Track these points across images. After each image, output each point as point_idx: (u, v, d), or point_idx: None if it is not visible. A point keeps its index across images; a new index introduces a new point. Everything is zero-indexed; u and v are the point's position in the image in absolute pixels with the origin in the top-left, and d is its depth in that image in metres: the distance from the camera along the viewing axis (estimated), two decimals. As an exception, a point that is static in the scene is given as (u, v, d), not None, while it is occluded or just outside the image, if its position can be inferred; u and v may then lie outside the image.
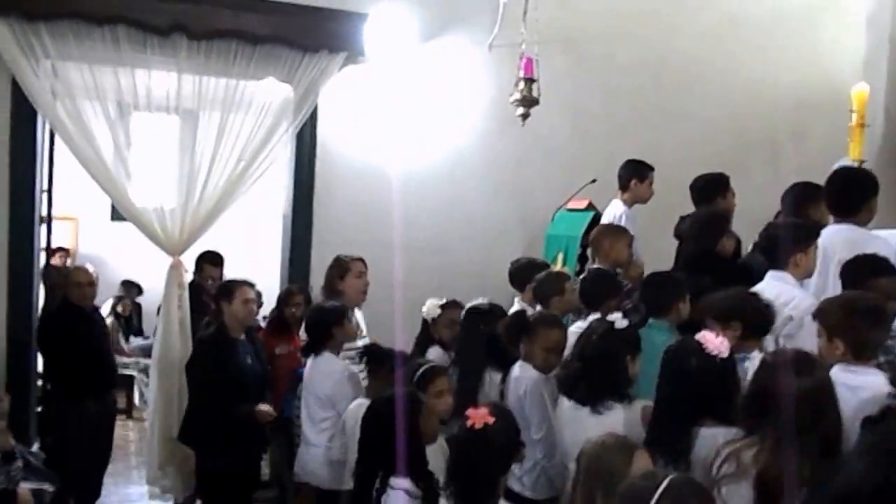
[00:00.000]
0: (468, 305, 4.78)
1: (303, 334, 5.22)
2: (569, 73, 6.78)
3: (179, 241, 5.92)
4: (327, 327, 4.82)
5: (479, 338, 4.53)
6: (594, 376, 3.59)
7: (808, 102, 7.57)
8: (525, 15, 6.15)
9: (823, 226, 4.57)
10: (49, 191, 6.21)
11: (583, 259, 5.96)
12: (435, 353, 4.86)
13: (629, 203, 6.00)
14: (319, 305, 5.10)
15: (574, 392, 3.66)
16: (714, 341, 3.22)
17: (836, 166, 5.86)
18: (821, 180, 4.78)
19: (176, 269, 5.92)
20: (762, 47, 7.46)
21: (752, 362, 3.43)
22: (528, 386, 4.08)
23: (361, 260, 5.44)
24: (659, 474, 2.33)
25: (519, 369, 4.21)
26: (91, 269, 5.89)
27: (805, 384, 2.77)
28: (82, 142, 5.70)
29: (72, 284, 5.69)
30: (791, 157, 7.31)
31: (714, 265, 4.71)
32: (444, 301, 5.04)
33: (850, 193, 4.51)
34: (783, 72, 7.54)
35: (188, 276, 6.22)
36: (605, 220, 5.92)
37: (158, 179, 6.09)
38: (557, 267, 5.81)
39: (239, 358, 5.07)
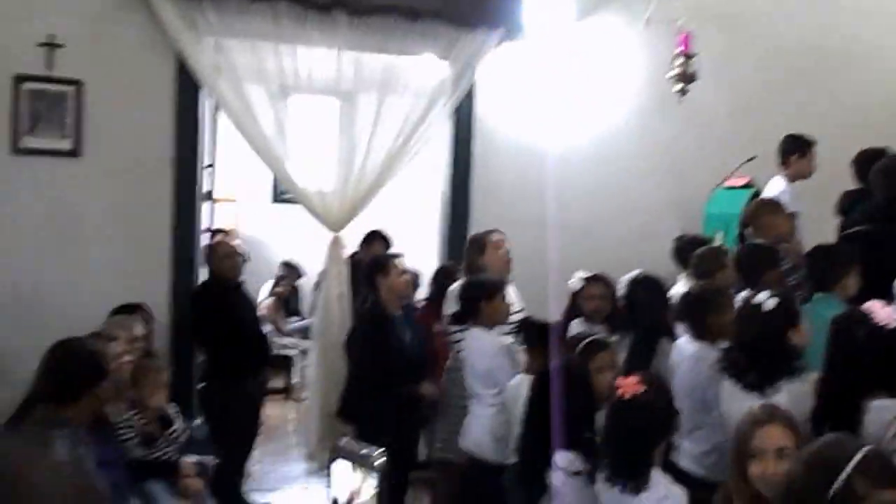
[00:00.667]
0: (632, 275, 4.60)
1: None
2: (725, 50, 6.48)
3: (339, 217, 5.91)
4: (476, 301, 4.74)
5: (649, 308, 4.37)
6: (759, 362, 3.36)
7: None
8: (681, -11, 5.95)
9: None
10: (212, 167, 6.31)
11: (742, 238, 5.70)
12: (578, 326, 4.71)
13: (791, 178, 5.73)
14: (474, 278, 4.99)
15: (742, 378, 3.42)
16: (882, 311, 3.02)
17: None
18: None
19: (336, 244, 5.92)
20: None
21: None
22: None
23: (497, 231, 5.26)
24: (848, 444, 2.14)
25: (696, 348, 3.98)
26: (237, 241, 5.88)
27: None
28: (247, 119, 5.71)
29: (216, 258, 5.67)
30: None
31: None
32: (587, 275, 4.90)
33: None
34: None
35: (347, 252, 6.19)
36: (765, 196, 5.64)
37: (318, 160, 6.09)
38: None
39: (397, 334, 5.03)
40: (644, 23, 6.38)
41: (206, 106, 6.02)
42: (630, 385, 3.02)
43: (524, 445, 3.61)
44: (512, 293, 5.27)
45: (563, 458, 3.30)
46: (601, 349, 3.86)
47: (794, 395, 3.23)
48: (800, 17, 6.78)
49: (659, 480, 2.99)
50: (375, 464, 1.29)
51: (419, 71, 6.14)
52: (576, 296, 4.93)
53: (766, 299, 3.37)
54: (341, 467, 1.37)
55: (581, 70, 6.38)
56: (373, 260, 5.31)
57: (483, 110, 6.28)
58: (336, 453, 1.42)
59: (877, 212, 4.65)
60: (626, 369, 3.95)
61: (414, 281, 5.98)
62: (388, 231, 6.58)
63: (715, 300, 3.97)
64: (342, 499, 1.43)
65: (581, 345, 3.89)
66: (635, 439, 3.00)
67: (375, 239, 6.18)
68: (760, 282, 4.07)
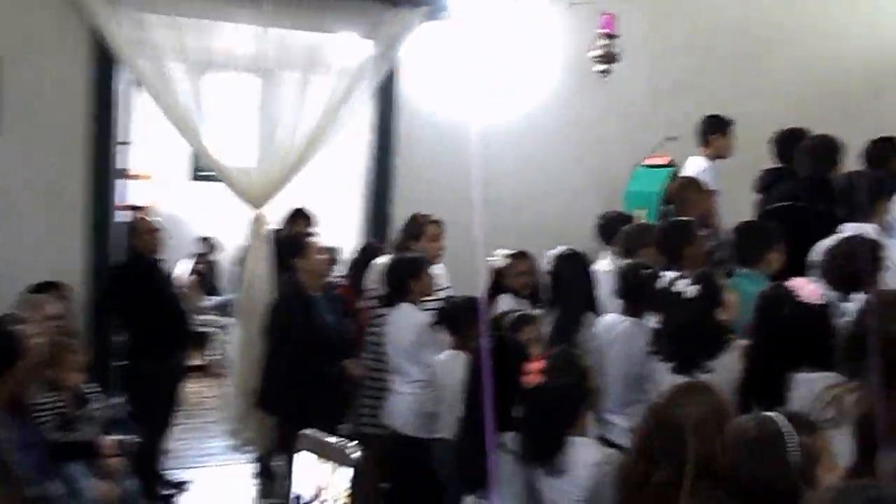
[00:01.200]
0: (558, 251, 4.56)
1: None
2: (648, 32, 6.48)
3: (262, 192, 5.67)
4: (404, 279, 4.64)
5: (575, 283, 4.32)
6: (687, 347, 3.32)
7: (881, 64, 7.25)
8: (605, -29, 5.92)
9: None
10: (127, 144, 5.98)
11: (663, 215, 5.72)
12: (507, 302, 4.66)
13: (711, 158, 5.75)
14: (398, 257, 4.90)
15: (672, 361, 3.39)
16: (807, 288, 3.02)
17: None
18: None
19: (258, 221, 5.68)
20: (840, 7, 7.14)
21: (853, 304, 3.19)
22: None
23: (437, 222, 5.18)
24: (769, 418, 2.13)
25: (628, 325, 3.97)
26: (155, 218, 5.72)
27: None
28: (167, 95, 5.46)
29: (137, 234, 5.51)
30: (868, 117, 6.95)
31: (829, 194, 4.36)
32: (511, 252, 4.84)
33: None
34: (855, 33, 7.21)
35: (270, 229, 5.90)
36: (686, 175, 5.66)
37: (239, 137, 5.88)
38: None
39: (319, 314, 4.89)
40: (568, 3, 6.33)
41: (122, 82, 5.73)
42: (534, 372, 2.96)
43: (466, 425, 3.52)
44: (439, 271, 5.19)
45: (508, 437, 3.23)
46: (528, 323, 3.84)
47: (722, 366, 3.22)
48: (721, 1, 6.82)
49: (589, 448, 2.93)
50: (351, 456, 1.17)
51: (343, 50, 5.95)
52: (499, 272, 4.87)
53: (688, 286, 3.33)
54: (305, 460, 1.25)
55: (505, 49, 6.27)
56: (289, 241, 5.11)
57: (407, 89, 6.14)
58: (300, 445, 1.29)
59: (800, 191, 4.67)
60: (550, 344, 3.92)
61: (333, 258, 5.85)
62: (311, 209, 6.39)
63: (641, 276, 3.95)
64: (307, 494, 1.30)
65: (509, 320, 3.85)
66: (547, 422, 2.95)
67: (299, 216, 5.97)
68: (681, 258, 4.07)
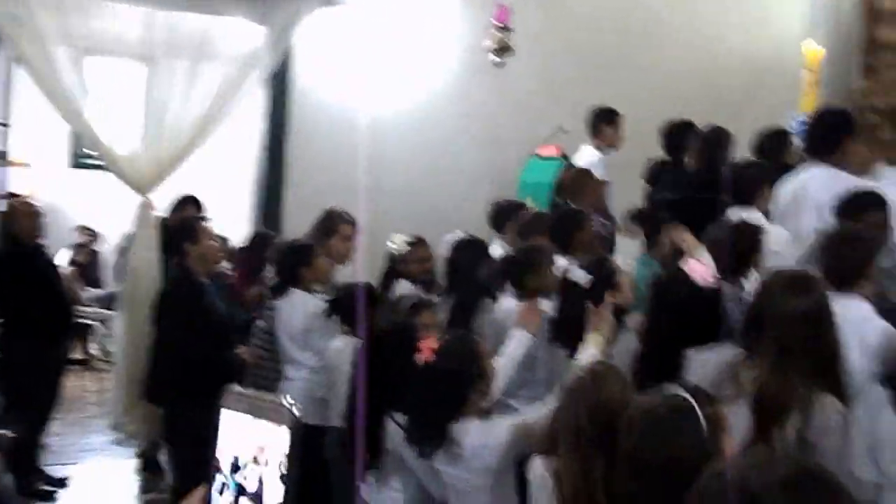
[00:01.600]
0: (456, 238, 4.50)
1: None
2: (541, 24, 6.53)
3: (148, 178, 5.41)
4: (294, 267, 4.50)
5: (471, 269, 4.26)
6: (582, 335, 3.20)
7: (759, 59, 7.47)
8: (500, -37, 5.91)
9: (790, 166, 4.44)
10: (5, 126, 5.68)
11: (554, 205, 5.75)
12: (405, 288, 4.56)
13: (601, 148, 5.81)
14: (288, 244, 4.72)
15: (568, 346, 3.33)
16: (700, 270, 3.04)
17: (795, 120, 5.80)
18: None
19: (145, 208, 5.41)
20: (713, 7, 7.36)
21: (749, 283, 3.23)
22: None
23: (352, 223, 4.89)
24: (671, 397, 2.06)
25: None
26: (35, 203, 5.42)
27: (802, 303, 2.57)
28: (49, 77, 5.15)
29: (16, 218, 5.21)
30: (746, 111, 7.18)
31: (717, 183, 4.28)
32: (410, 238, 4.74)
33: (828, 134, 4.23)
34: (735, 29, 7.45)
35: (157, 216, 5.61)
36: (579, 165, 5.71)
37: (125, 122, 5.60)
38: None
39: (210, 301, 4.68)
40: (463, -7, 6.32)
41: (2, 59, 5.46)
42: (426, 351, 2.90)
43: (351, 411, 3.41)
44: None
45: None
46: (425, 308, 3.74)
47: (617, 350, 3.21)
48: (608, -2, 6.93)
49: (482, 431, 2.84)
50: (289, 415, 1.06)
51: (234, 35, 5.74)
52: (396, 258, 4.78)
53: (582, 276, 3.30)
54: (235, 419, 1.12)
55: (399, 37, 6.20)
56: (180, 225, 4.82)
57: (300, 76, 5.99)
58: (227, 404, 1.17)
59: (690, 181, 4.71)
60: (447, 330, 3.81)
61: (224, 246, 5.63)
62: (200, 196, 6.12)
63: (533, 260, 3.87)
64: (245, 456, 1.18)
65: (406, 304, 3.77)
66: (434, 405, 2.89)
67: (188, 203, 5.68)
68: (572, 244, 4.07)
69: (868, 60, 7.68)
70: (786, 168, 4.48)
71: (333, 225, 4.84)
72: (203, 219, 4.87)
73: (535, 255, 3.85)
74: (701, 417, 1.95)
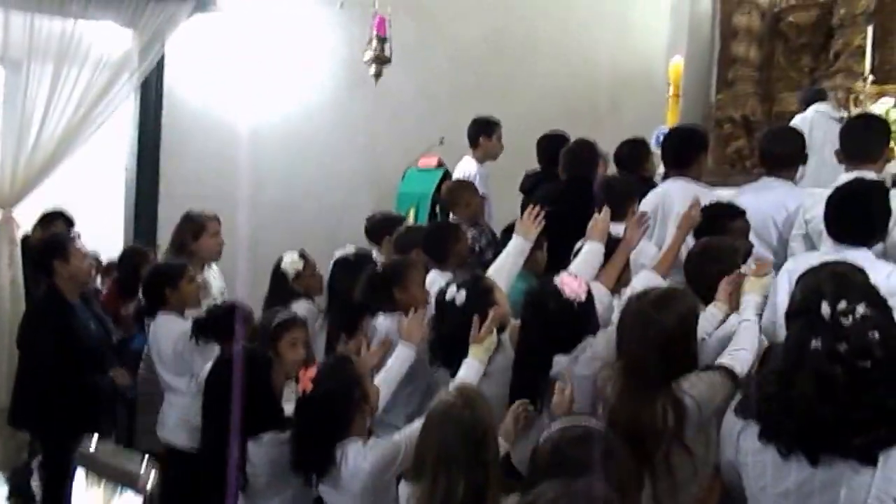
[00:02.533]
0: (336, 255, 4.30)
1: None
2: (418, 37, 6.36)
3: (10, 193, 4.97)
4: (160, 288, 4.12)
5: (349, 286, 3.99)
6: (462, 354, 3.09)
7: (623, 77, 7.62)
8: (374, -26, 5.71)
9: (649, 178, 4.51)
10: None
11: (433, 216, 5.65)
12: (303, 308, 4.23)
13: (481, 160, 5.73)
14: (155, 265, 4.35)
15: (451, 367, 3.16)
16: (572, 284, 2.97)
17: (655, 132, 5.93)
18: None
19: (7, 223, 4.97)
20: (586, 24, 7.43)
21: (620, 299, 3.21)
22: None
23: (217, 219, 4.66)
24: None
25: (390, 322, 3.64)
26: None
27: (661, 323, 2.52)
28: None
29: None
30: (610, 127, 7.28)
31: (588, 195, 4.30)
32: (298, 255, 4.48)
33: (685, 149, 4.32)
34: (601, 48, 7.53)
35: (21, 232, 5.17)
36: (456, 176, 5.55)
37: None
38: (409, 223, 5.43)
39: (81, 322, 4.31)
40: (339, 4, 6.08)
41: None
42: (305, 380, 2.73)
43: (205, 436, 3.20)
44: (214, 275, 4.76)
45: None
46: (294, 324, 3.54)
47: (495, 366, 3.09)
48: (484, 11, 6.84)
49: (354, 453, 2.69)
50: (146, 485, 0.89)
51: (101, 39, 5.34)
52: (288, 278, 4.51)
53: (456, 293, 3.14)
54: (85, 480, 0.95)
55: (277, 46, 5.92)
56: (48, 242, 4.40)
57: (174, 83, 5.63)
58: (80, 462, 0.99)
59: (562, 193, 4.66)
60: (327, 348, 3.76)
61: (96, 262, 5.26)
62: (68, 210, 5.65)
63: (399, 275, 3.68)
64: None
65: (274, 322, 3.52)
66: (315, 430, 2.74)
67: (55, 220, 5.21)
68: (447, 257, 3.98)
69: (724, 74, 8.01)
70: (646, 181, 4.54)
71: (199, 224, 4.55)
72: (74, 236, 4.48)
73: (401, 269, 3.68)
74: None
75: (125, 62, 5.32)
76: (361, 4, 5.83)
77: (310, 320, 3.97)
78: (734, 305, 3.00)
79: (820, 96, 6.13)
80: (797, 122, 5.50)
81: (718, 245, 3.27)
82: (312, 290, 4.37)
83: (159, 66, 5.49)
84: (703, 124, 7.40)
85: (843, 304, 2.03)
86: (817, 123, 5.55)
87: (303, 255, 4.43)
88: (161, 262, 4.39)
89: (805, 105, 5.99)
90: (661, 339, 2.50)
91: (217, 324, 3.74)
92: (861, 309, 2.02)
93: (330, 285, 4.16)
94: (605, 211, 3.56)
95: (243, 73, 5.74)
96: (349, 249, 4.26)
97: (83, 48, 5.22)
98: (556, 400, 2.70)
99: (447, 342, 3.16)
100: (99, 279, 5.62)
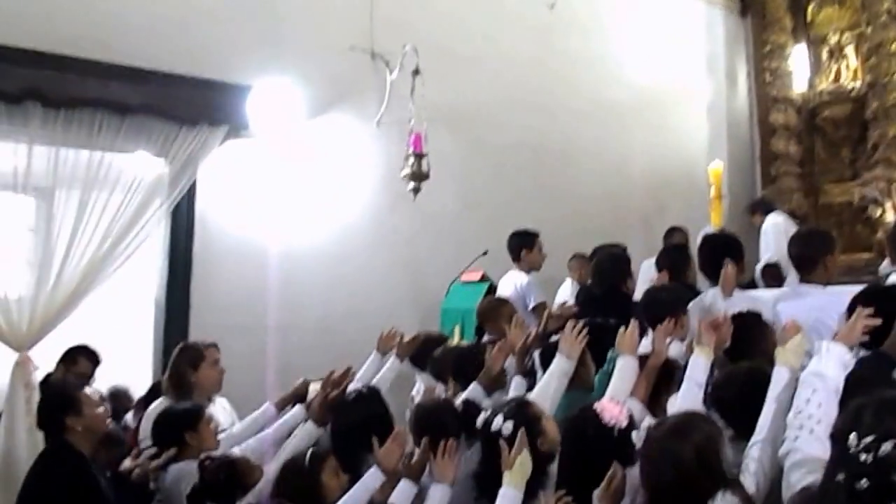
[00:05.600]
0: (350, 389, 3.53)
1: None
2: (456, 149, 5.71)
3: (28, 333, 4.21)
4: (180, 433, 3.40)
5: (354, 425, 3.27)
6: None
7: (666, 178, 6.94)
8: (412, 92, 5.14)
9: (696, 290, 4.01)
10: None
11: (480, 331, 4.86)
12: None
13: (526, 271, 5.04)
14: (168, 408, 3.58)
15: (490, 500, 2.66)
16: (612, 410, 2.65)
17: (701, 234, 5.24)
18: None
19: (22, 366, 4.19)
20: (625, 127, 6.80)
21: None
22: None
23: (215, 346, 3.96)
24: None
25: None
26: None
27: (677, 455, 2.21)
28: None
29: None
30: (657, 229, 6.54)
31: (623, 306, 3.97)
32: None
33: (719, 258, 3.85)
34: (644, 150, 6.91)
35: (38, 375, 4.34)
36: (506, 290, 4.91)
37: (5, 264, 4.46)
38: (455, 340, 4.66)
39: (94, 478, 3.49)
40: (376, 122, 5.47)
41: None
42: None
43: None
44: (221, 409, 3.98)
45: None
46: (329, 454, 2.99)
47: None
48: (522, 119, 6.18)
49: None
50: None
51: (131, 166, 4.74)
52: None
53: (503, 423, 2.72)
54: None
55: (312, 168, 5.25)
56: (55, 398, 3.54)
57: (205, 210, 4.90)
58: None
59: (596, 304, 4.13)
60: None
61: (123, 401, 4.51)
62: (92, 345, 4.87)
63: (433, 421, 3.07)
64: None
65: (308, 457, 2.94)
66: None
67: (78, 356, 4.47)
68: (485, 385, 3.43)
69: (767, 170, 7.47)
70: (691, 288, 4.07)
71: (198, 353, 3.77)
72: (83, 384, 3.70)
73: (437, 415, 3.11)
74: None
75: (155, 190, 4.63)
76: (398, 121, 5.23)
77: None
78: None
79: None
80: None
81: (740, 372, 2.80)
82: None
83: (190, 193, 4.80)
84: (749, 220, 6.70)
85: (868, 439, 1.70)
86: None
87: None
88: (173, 405, 3.59)
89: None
90: (679, 471, 2.22)
91: (218, 487, 2.96)
92: (888, 446, 1.67)
93: (339, 420, 3.36)
94: (633, 324, 3.21)
95: (278, 196, 5.06)
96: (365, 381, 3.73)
97: (112, 177, 4.58)
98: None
99: (495, 476, 2.65)
100: (130, 415, 4.83)
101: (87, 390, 3.48)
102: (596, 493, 2.42)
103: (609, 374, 3.22)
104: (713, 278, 3.86)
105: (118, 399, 4.48)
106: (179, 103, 4.72)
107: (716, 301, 3.74)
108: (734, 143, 7.31)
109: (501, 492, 2.56)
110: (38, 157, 4.42)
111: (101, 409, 3.47)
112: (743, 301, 3.65)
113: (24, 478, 3.49)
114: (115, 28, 4.67)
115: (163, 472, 3.35)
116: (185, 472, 3.27)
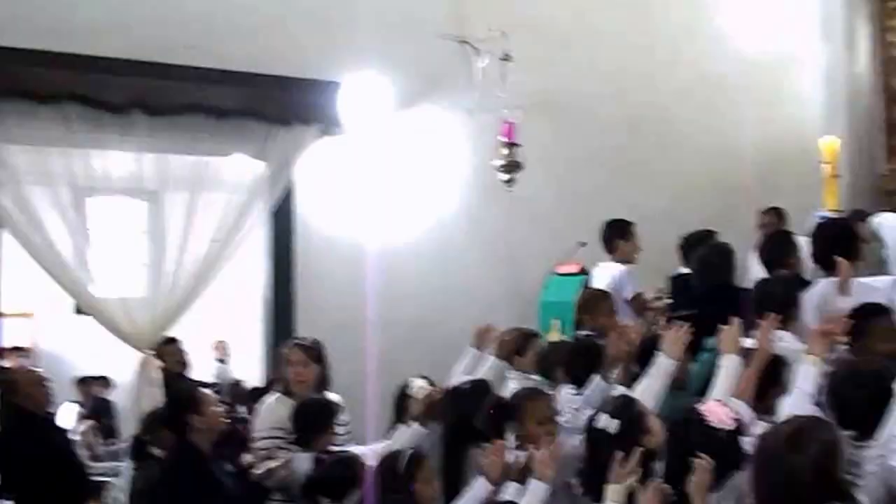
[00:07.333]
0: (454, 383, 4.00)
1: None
2: (551, 136, 6.06)
3: (149, 333, 4.91)
4: (312, 427, 3.88)
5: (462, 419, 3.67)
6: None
7: (778, 155, 7.02)
8: (503, 78, 5.52)
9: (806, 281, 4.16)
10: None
11: (578, 325, 5.23)
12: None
13: (621, 262, 5.33)
14: (306, 401, 4.05)
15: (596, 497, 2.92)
16: (718, 412, 2.78)
17: (815, 216, 5.39)
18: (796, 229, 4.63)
19: (146, 365, 4.88)
20: (732, 102, 6.88)
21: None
22: None
23: (298, 346, 4.32)
24: None
25: None
26: (39, 369, 4.91)
27: (792, 465, 2.30)
28: (31, 231, 4.77)
29: (21, 389, 4.58)
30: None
31: (732, 299, 4.11)
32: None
33: (831, 250, 4.02)
34: (752, 125, 6.91)
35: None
36: (601, 282, 5.19)
37: (123, 266, 5.15)
38: (554, 333, 5.02)
39: (215, 479, 3.92)
40: (468, 112, 5.88)
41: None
42: None
43: None
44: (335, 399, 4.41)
45: None
46: (426, 458, 3.30)
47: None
48: (618, 99, 6.48)
49: None
50: None
51: (232, 169, 5.35)
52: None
53: (609, 421, 2.95)
54: None
55: (405, 161, 5.75)
56: (178, 398, 4.15)
57: (304, 209, 5.49)
58: None
59: (703, 299, 4.37)
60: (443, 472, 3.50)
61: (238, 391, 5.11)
62: (198, 344, 5.48)
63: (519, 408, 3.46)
64: None
65: (407, 459, 3.24)
66: None
67: (169, 345, 5.15)
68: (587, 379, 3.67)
69: (892, 142, 7.39)
70: (801, 279, 4.21)
71: (282, 356, 4.26)
72: (204, 386, 4.29)
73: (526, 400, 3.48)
74: None
75: (256, 191, 5.26)
76: (490, 110, 5.61)
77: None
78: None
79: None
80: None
81: (865, 370, 2.95)
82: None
83: (289, 193, 5.40)
84: (871, 200, 6.76)
85: None
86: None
87: (430, 382, 4.15)
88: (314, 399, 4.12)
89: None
90: (795, 483, 2.30)
91: (333, 483, 3.42)
92: None
93: (447, 413, 3.81)
94: (736, 321, 3.38)
95: (372, 192, 5.56)
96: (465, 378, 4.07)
97: (215, 180, 5.23)
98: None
99: (600, 475, 2.87)
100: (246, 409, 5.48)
101: (206, 392, 4.04)
102: (689, 482, 2.58)
103: (705, 364, 3.50)
104: (825, 269, 4.02)
105: (234, 392, 5.14)
106: (272, 104, 5.30)
107: (831, 297, 3.85)
108: (854, 114, 7.26)
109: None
110: (146, 163, 5.08)
111: (219, 408, 4.03)
112: (861, 293, 3.79)
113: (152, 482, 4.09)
114: (205, 33, 5.25)
115: (282, 469, 3.86)
116: (303, 464, 3.80)
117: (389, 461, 3.27)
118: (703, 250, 4.71)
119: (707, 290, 4.44)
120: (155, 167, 5.11)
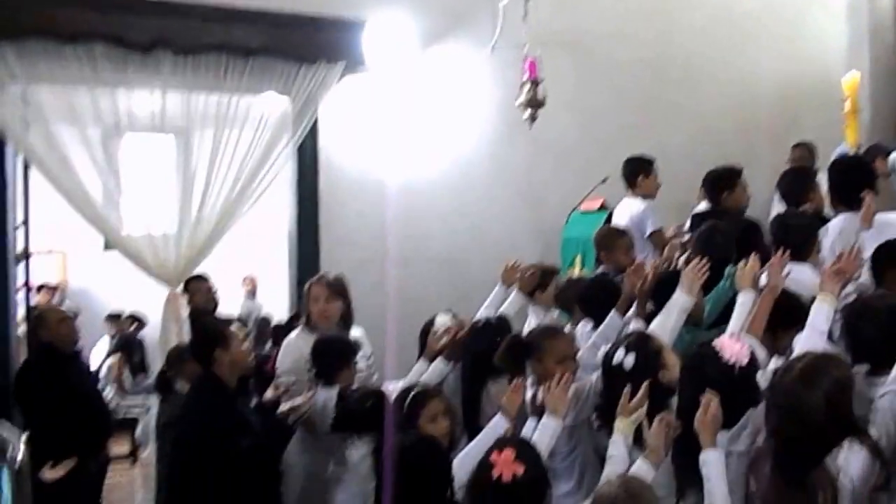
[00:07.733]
0: (477, 317, 4.13)
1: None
2: (573, 73, 6.18)
3: (176, 270, 5.11)
4: (334, 364, 3.97)
5: (482, 355, 3.75)
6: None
7: (799, 91, 7.12)
8: (526, 16, 5.56)
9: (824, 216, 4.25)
10: (26, 224, 5.33)
11: (599, 262, 5.40)
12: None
13: (641, 198, 5.45)
14: (325, 338, 4.15)
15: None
16: (733, 347, 2.78)
17: (835, 153, 5.48)
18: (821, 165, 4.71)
19: (173, 301, 5.08)
20: (752, 39, 7.00)
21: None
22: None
23: (320, 282, 4.43)
24: None
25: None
26: (65, 306, 5.13)
27: (807, 402, 2.40)
28: (60, 170, 4.95)
29: (48, 326, 4.79)
30: (789, 145, 6.83)
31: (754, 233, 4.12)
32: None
33: (849, 186, 4.11)
34: (774, 62, 7.08)
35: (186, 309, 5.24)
36: (621, 219, 5.35)
37: (151, 203, 5.29)
38: (576, 269, 5.29)
39: (241, 416, 3.94)
40: (490, 50, 5.97)
41: (17, 159, 5.15)
42: (507, 465, 2.51)
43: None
44: (358, 334, 4.54)
45: None
46: (430, 397, 3.34)
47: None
48: (639, 36, 6.58)
49: None
50: None
51: (258, 106, 5.48)
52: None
53: (624, 357, 3.02)
54: None
55: (428, 99, 5.89)
56: (205, 332, 4.10)
57: (329, 145, 5.66)
58: None
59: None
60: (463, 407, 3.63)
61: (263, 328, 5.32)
62: (226, 278, 5.65)
63: (538, 346, 3.46)
64: None
65: (410, 397, 3.33)
66: None
67: (198, 282, 5.27)
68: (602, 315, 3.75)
69: None
70: (819, 215, 4.31)
71: (306, 294, 4.40)
72: (230, 322, 4.44)
73: (540, 341, 3.47)
74: None
75: (281, 129, 5.42)
76: (513, 47, 5.68)
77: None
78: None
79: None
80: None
81: (879, 305, 2.94)
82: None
83: (314, 131, 5.54)
84: (893, 135, 6.83)
85: None
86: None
87: (455, 316, 4.29)
88: (331, 337, 4.27)
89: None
90: (808, 419, 2.39)
91: (360, 417, 3.54)
92: None
93: (468, 348, 3.93)
94: (754, 257, 3.41)
95: (396, 130, 5.70)
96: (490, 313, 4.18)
97: (241, 117, 5.37)
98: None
99: (614, 409, 2.96)
100: (269, 344, 5.70)
101: (233, 327, 4.18)
102: (697, 418, 2.60)
103: (720, 291, 3.56)
104: (843, 204, 4.09)
105: (260, 329, 5.38)
106: (297, 42, 5.42)
107: (850, 230, 3.90)
108: (877, 49, 7.25)
109: (614, 440, 2.85)
110: (172, 101, 5.22)
111: (245, 346, 4.15)
112: (880, 226, 3.83)
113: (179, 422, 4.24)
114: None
115: (305, 405, 3.96)
116: (326, 401, 3.94)
117: (402, 397, 3.35)
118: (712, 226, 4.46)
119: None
120: (181, 106, 5.25)
